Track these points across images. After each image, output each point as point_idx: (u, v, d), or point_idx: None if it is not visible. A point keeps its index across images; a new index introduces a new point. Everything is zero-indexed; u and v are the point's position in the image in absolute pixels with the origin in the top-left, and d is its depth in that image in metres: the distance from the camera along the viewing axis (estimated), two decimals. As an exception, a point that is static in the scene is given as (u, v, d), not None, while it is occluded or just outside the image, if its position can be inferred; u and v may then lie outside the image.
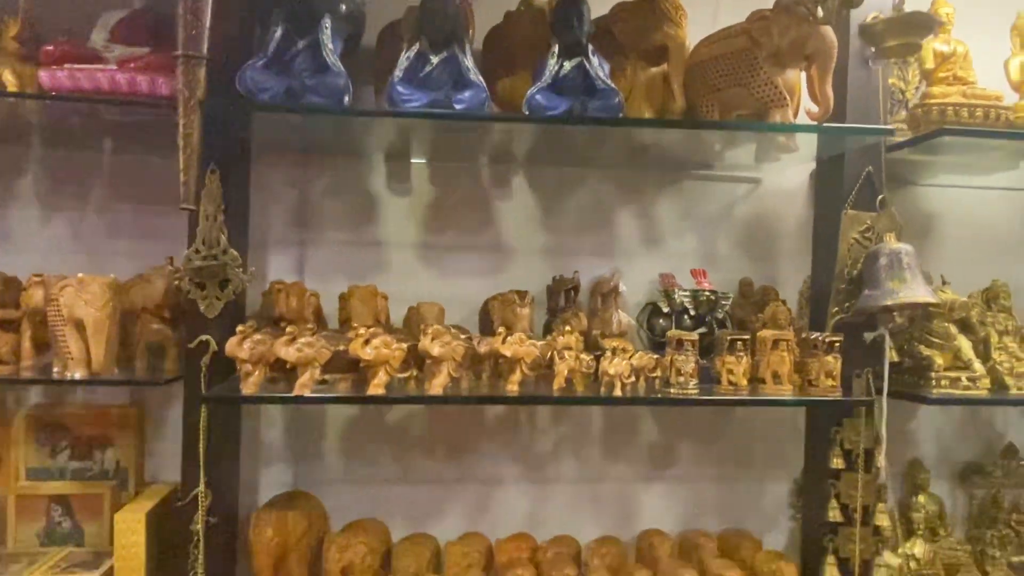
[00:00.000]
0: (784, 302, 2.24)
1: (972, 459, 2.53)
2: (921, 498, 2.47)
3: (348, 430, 2.32)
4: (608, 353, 1.77)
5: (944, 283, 2.02)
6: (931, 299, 1.78)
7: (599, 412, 2.41)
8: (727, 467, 2.46)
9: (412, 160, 2.32)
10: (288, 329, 1.64)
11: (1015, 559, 2.33)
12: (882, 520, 1.93)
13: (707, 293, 2.08)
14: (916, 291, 1.79)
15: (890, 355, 2.10)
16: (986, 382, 1.94)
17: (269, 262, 2.26)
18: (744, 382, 1.84)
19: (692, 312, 2.08)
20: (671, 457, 2.45)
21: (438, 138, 2.11)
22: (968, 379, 1.88)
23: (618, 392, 1.76)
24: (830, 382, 1.86)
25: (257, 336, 1.65)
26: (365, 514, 2.28)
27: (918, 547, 2.23)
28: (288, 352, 1.62)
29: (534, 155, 2.31)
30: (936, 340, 1.95)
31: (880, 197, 1.91)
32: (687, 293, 2.10)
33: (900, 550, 2.27)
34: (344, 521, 2.24)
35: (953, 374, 1.89)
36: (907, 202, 2.51)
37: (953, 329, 1.95)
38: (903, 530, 2.32)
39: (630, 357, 1.84)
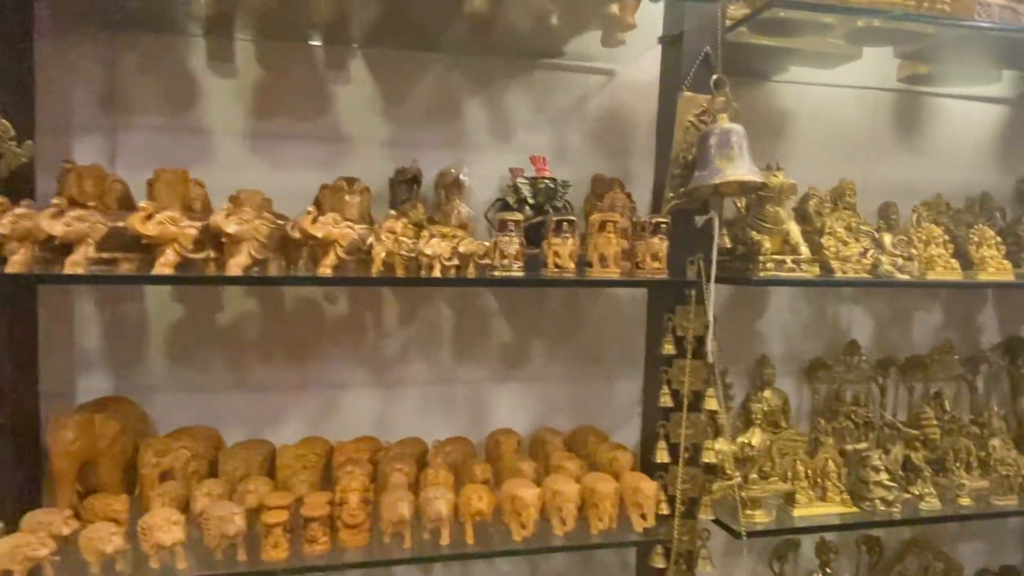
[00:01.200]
0: (630, 195, 2.21)
1: (817, 356, 2.62)
2: (767, 392, 2.54)
3: (175, 333, 2.16)
4: (425, 234, 1.68)
5: (777, 168, 2.01)
6: (755, 178, 1.76)
7: (449, 312, 2.34)
8: (579, 365, 2.45)
9: (237, 37, 2.11)
10: (54, 201, 1.47)
11: (848, 447, 2.44)
12: (711, 404, 1.95)
13: (546, 181, 2.01)
14: (741, 169, 1.77)
15: (723, 240, 2.10)
16: (814, 267, 1.96)
17: (74, 148, 2.04)
18: (571, 264, 1.78)
19: (531, 200, 2.00)
20: (523, 356, 2.41)
21: (266, 10, 1.92)
22: (793, 262, 1.89)
23: (436, 273, 1.68)
24: (656, 264, 1.83)
25: (20, 210, 1.46)
26: (198, 423, 2.16)
27: (756, 437, 2.29)
28: (55, 226, 1.44)
29: (374, 36, 2.14)
30: (766, 225, 1.94)
31: (715, 77, 1.86)
32: (525, 181, 2.02)
33: (739, 439, 2.33)
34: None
35: (779, 257, 1.90)
36: (760, 98, 2.50)
37: (783, 214, 1.94)
38: (743, 421, 2.38)
39: (458, 242, 1.76)
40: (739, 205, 2.15)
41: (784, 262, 1.90)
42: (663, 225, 1.84)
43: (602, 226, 1.81)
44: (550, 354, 2.43)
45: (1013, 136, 2.73)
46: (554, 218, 1.80)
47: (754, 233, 1.96)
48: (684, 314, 1.96)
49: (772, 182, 1.95)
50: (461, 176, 2.09)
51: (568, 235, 1.78)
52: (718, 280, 1.92)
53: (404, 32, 2.11)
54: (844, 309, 2.66)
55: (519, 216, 1.77)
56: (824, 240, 1.97)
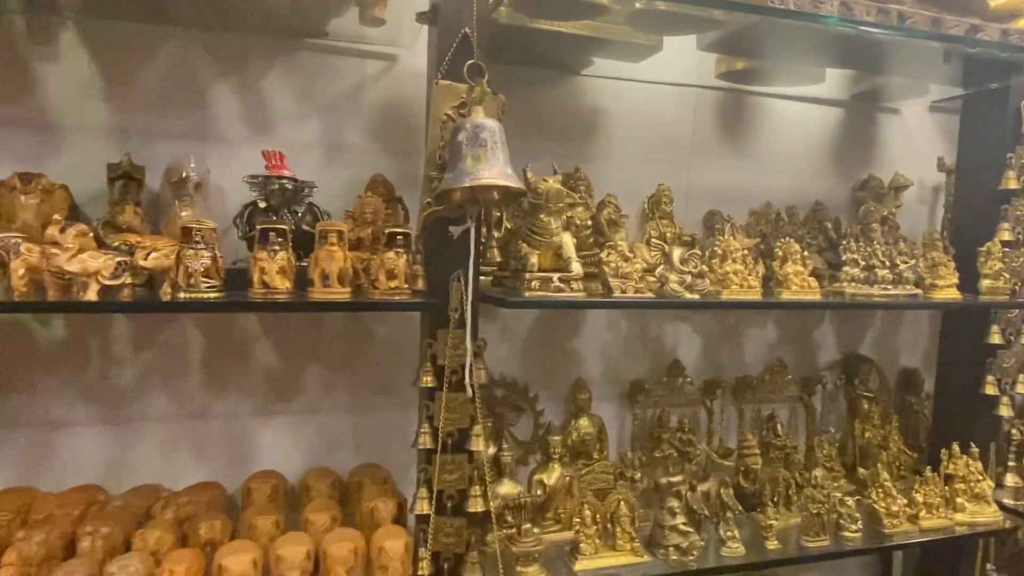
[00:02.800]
0: (401, 199, 1.91)
1: (637, 378, 2.39)
2: (582, 420, 2.29)
3: None
4: (67, 246, 1.32)
5: (555, 171, 1.75)
6: (504, 182, 1.49)
7: (198, 335, 1.99)
8: (363, 393, 2.13)
9: (-98, 0, 1.72)
10: None
11: (663, 479, 2.21)
12: (476, 444, 1.67)
13: (281, 181, 1.68)
14: (491, 172, 1.49)
15: (493, 254, 1.83)
16: (592, 284, 1.71)
17: None
18: (283, 283, 1.47)
19: (263, 204, 1.68)
20: (295, 385, 2.08)
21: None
22: (561, 280, 1.63)
23: (91, 295, 1.33)
24: (392, 283, 1.53)
25: None
26: None
27: (554, 474, 2.03)
28: None
29: (90, 4, 1.78)
30: (536, 236, 1.68)
31: (468, 63, 1.58)
32: (256, 180, 1.69)
33: (536, 476, 2.06)
34: None
35: (545, 274, 1.63)
36: (567, 94, 2.25)
37: (554, 224, 1.68)
38: (543, 455, 2.11)
39: (145, 254, 1.41)
40: (501, 214, 1.89)
41: (551, 280, 1.63)
42: (399, 237, 1.55)
43: (323, 237, 1.49)
44: (328, 381, 2.11)
45: (848, 140, 2.58)
46: (262, 225, 1.48)
47: (524, 246, 1.69)
48: (444, 340, 1.67)
49: (541, 187, 1.68)
50: (189, 174, 1.75)
51: (278, 248, 1.46)
52: (482, 300, 1.64)
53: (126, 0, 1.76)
54: (670, 327, 2.44)
55: (211, 224, 1.44)
56: (604, 255, 1.72)
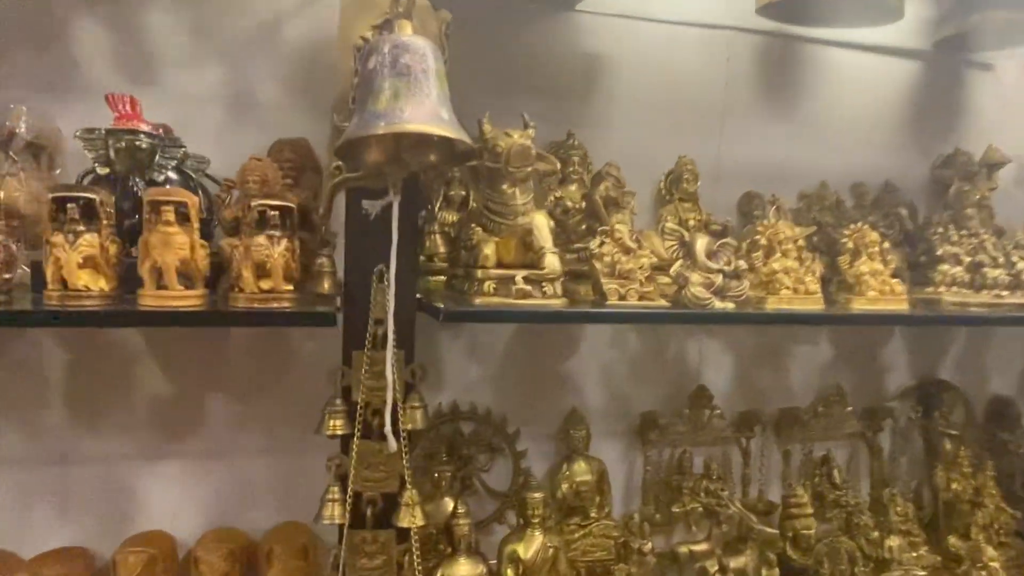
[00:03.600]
0: (318, 167, 1.40)
1: (651, 409, 1.84)
2: (578, 465, 1.75)
3: None
4: None
5: (527, 125, 1.23)
6: (435, 128, 0.97)
7: (60, 353, 1.49)
8: (285, 430, 1.62)
9: None
10: None
11: (683, 548, 1.66)
12: (405, 519, 1.15)
13: (132, 137, 1.18)
14: (417, 113, 0.98)
15: (435, 242, 1.31)
16: (581, 286, 1.18)
17: None
18: (94, 282, 0.96)
19: (106, 169, 1.18)
20: (194, 419, 1.58)
21: None
22: (528, 280, 1.11)
23: None
24: (265, 283, 1.02)
25: None
26: None
27: (532, 544, 1.49)
28: None
29: None
30: (495, 218, 1.16)
31: (390, -42, 1.07)
32: (92, 136, 1.19)
33: (509, 548, 1.53)
34: None
35: (507, 272, 1.11)
36: (561, 33, 1.71)
37: (521, 198, 1.16)
38: (520, 518, 1.58)
39: None
40: (450, 185, 1.37)
41: (513, 280, 1.11)
42: (274, 215, 1.04)
43: (155, 211, 0.99)
44: (236, 414, 1.60)
45: (927, 102, 2.00)
46: (52, 195, 0.97)
47: (477, 231, 1.17)
48: (361, 366, 1.15)
49: (500, 144, 1.16)
50: (17, 129, 1.26)
51: (82, 229, 0.96)
52: (403, 310, 1.13)
53: None
54: (693, 343, 1.89)
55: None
56: (595, 245, 1.19)
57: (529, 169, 1.16)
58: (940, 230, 1.47)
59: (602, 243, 1.20)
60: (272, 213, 1.03)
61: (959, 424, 2.02)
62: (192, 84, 1.50)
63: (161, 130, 1.32)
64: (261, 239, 1.02)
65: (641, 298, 1.19)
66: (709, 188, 1.81)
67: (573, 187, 1.60)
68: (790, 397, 1.95)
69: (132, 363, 1.54)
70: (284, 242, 1.04)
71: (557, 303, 1.13)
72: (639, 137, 1.76)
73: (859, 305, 1.34)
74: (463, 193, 1.57)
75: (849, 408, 1.94)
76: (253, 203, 1.03)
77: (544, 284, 1.12)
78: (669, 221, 1.62)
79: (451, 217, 1.50)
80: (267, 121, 1.54)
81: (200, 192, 1.26)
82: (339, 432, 1.15)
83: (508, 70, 1.67)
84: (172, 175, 1.24)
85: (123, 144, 1.17)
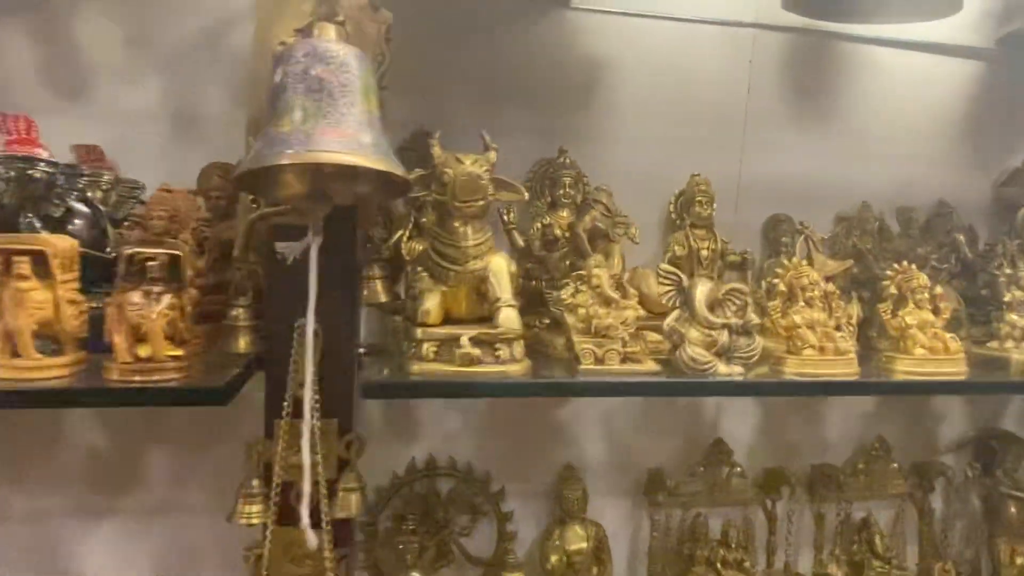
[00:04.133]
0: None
1: (657, 465, 1.60)
2: (572, 530, 1.53)
3: None
4: None
5: (488, 147, 1.02)
6: (347, 158, 0.76)
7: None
8: (229, 487, 1.44)
9: None
10: None
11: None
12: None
13: (25, 165, 1.01)
14: (328, 139, 0.77)
15: (375, 291, 1.10)
16: (520, 349, 0.95)
17: None
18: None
19: (2, 201, 1.01)
20: (133, 475, 1.41)
21: None
22: (476, 342, 0.89)
23: None
24: (142, 350, 0.83)
25: None
26: None
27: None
28: None
29: None
30: (441, 264, 0.95)
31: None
32: (-23, 162, 1.02)
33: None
34: None
35: (446, 331, 0.89)
36: (552, 35, 1.49)
37: (473, 238, 0.94)
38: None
39: None
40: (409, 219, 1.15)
41: (457, 342, 0.89)
42: (152, 264, 0.84)
43: (5, 263, 0.80)
44: (181, 470, 1.42)
45: (989, 109, 1.72)
46: None
47: (422, 278, 0.96)
48: (285, 439, 0.96)
49: (447, 173, 0.94)
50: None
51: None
52: (337, 370, 0.92)
53: None
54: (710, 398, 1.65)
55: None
56: (565, 295, 0.97)
57: (481, 203, 0.95)
58: (1007, 269, 1.21)
59: (576, 291, 0.98)
60: (152, 263, 0.84)
61: (1026, 484, 1.73)
62: (129, 99, 1.33)
63: (86, 152, 1.16)
64: (136, 296, 0.83)
65: (625, 360, 0.96)
66: (728, 211, 1.57)
67: (564, 213, 1.38)
68: (824, 452, 1.69)
69: (65, 412, 1.38)
70: (167, 299, 0.84)
71: (515, 369, 0.92)
72: (646, 153, 1.53)
73: (904, 366, 1.09)
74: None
75: (894, 464, 1.67)
76: (124, 250, 0.84)
77: (498, 346, 0.91)
78: (678, 251, 1.39)
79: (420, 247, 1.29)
80: (214, 139, 1.36)
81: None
82: (255, 521, 0.95)
83: (494, 77, 1.47)
84: (79, 207, 1.06)
85: (13, 173, 1.00)
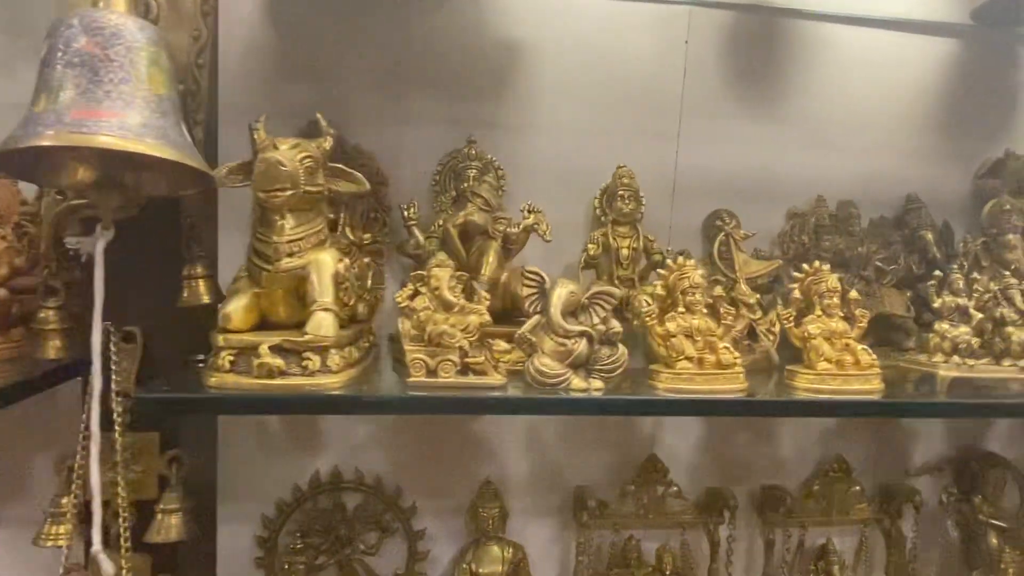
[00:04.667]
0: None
1: (582, 484, 1.47)
2: (490, 550, 1.41)
3: None
4: None
5: (327, 133, 0.90)
6: (120, 142, 0.67)
7: None
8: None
9: None
10: None
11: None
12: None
13: None
14: (91, 119, 0.68)
15: (197, 295, 1.00)
16: (339, 359, 0.83)
17: None
18: None
19: None
20: None
21: None
22: (278, 350, 0.78)
23: None
24: None
25: None
26: None
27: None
28: None
29: None
30: (257, 262, 0.84)
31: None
32: None
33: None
34: None
35: (252, 339, 0.79)
36: (464, 12, 1.38)
37: (290, 229, 0.83)
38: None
39: None
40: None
41: (256, 352, 0.79)
42: None
43: None
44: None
45: (965, 94, 1.54)
46: None
47: (238, 278, 0.86)
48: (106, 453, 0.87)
49: (260, 160, 0.84)
50: None
51: None
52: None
53: None
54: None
55: None
56: (399, 297, 0.86)
57: (288, 193, 0.84)
58: (947, 271, 1.05)
59: (415, 293, 0.87)
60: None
61: (1010, 513, 1.54)
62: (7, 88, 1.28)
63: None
64: None
65: (465, 372, 0.85)
66: (663, 207, 1.43)
67: (470, 208, 1.26)
68: (777, 472, 1.54)
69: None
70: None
71: (329, 382, 0.81)
72: (571, 144, 1.40)
73: (804, 382, 0.95)
74: (331, 216, 1.26)
75: (856, 487, 1.51)
76: None
77: (306, 355, 0.80)
78: (591, 249, 1.27)
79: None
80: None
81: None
82: (61, 543, 0.87)
83: (401, 61, 1.36)
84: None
85: None
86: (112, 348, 0.83)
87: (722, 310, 0.95)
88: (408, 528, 1.43)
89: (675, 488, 1.45)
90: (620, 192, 1.31)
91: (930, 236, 1.41)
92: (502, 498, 1.42)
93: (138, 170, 0.78)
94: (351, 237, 1.26)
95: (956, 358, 1.00)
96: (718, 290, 0.98)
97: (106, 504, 0.89)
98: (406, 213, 1.24)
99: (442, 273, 0.87)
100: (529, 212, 1.25)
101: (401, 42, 1.35)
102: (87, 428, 0.81)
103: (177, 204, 0.90)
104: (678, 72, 1.42)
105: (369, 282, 1.05)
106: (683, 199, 1.45)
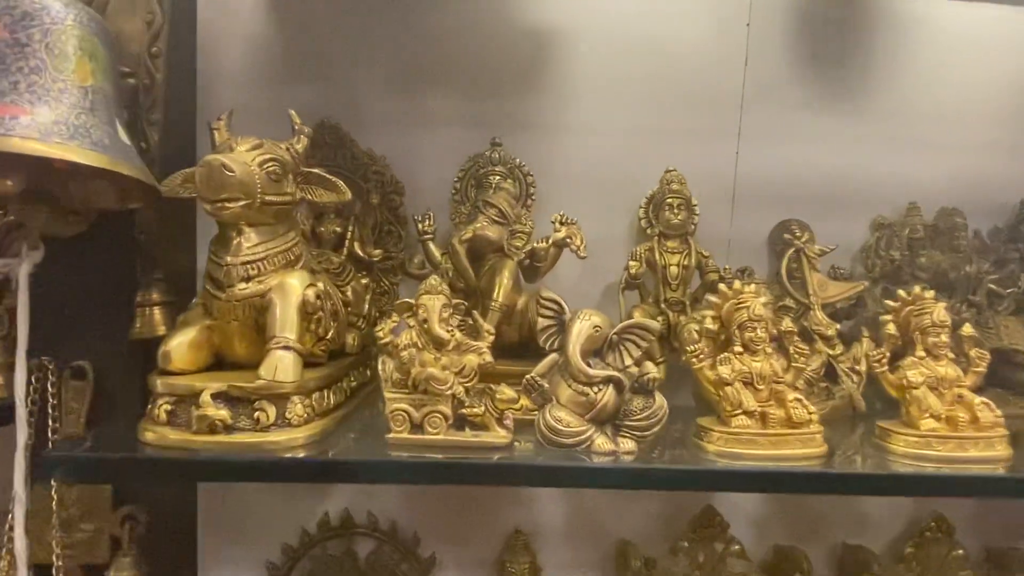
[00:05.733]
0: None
1: (634, 534, 1.27)
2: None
3: None
4: None
5: (300, 132, 0.74)
6: (21, 145, 0.54)
7: None
8: None
9: None
10: None
11: None
12: None
13: None
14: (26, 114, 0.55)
15: (152, 325, 0.86)
16: (293, 413, 0.67)
17: None
18: None
19: None
20: None
21: None
22: (224, 398, 0.62)
23: None
24: None
25: None
26: None
27: None
28: None
29: None
30: (208, 286, 0.69)
31: None
32: None
33: None
34: None
35: (202, 384, 0.64)
36: (502, 1, 1.23)
37: (249, 250, 0.67)
38: None
39: None
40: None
41: (196, 401, 0.64)
42: None
43: None
44: None
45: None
46: None
47: (192, 306, 0.72)
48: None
49: (210, 160, 0.70)
50: None
51: None
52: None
53: None
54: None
55: None
56: (379, 331, 0.70)
57: (241, 204, 0.69)
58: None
59: (389, 325, 0.71)
60: None
61: None
62: None
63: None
64: None
65: (461, 426, 0.67)
66: (722, 217, 1.23)
67: (480, 221, 1.10)
68: (862, 529, 1.30)
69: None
70: None
71: (286, 439, 0.65)
72: (611, 145, 1.22)
73: (903, 445, 0.73)
74: (337, 230, 1.13)
75: (959, 551, 1.26)
76: None
77: (259, 406, 0.64)
78: (632, 267, 1.08)
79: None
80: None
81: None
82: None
83: (417, 55, 1.21)
84: None
85: None
86: (50, 388, 0.71)
87: (792, 348, 0.75)
88: (426, 581, 1.27)
89: (737, 546, 1.24)
90: (668, 200, 1.12)
91: (1051, 252, 1.16)
92: (533, 552, 1.25)
93: (79, 179, 0.66)
94: (359, 253, 1.12)
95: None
96: (787, 323, 0.78)
97: (46, 570, 0.77)
98: (420, 226, 1.09)
99: (432, 302, 0.70)
100: (561, 225, 1.08)
101: (418, 35, 1.21)
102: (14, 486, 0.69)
103: (132, 216, 0.77)
104: (738, 60, 1.21)
105: (366, 306, 0.89)
106: (745, 208, 1.24)
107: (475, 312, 0.76)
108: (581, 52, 1.22)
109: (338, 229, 1.13)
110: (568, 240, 1.07)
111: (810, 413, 0.73)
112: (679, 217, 1.11)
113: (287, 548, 1.27)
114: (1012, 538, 1.31)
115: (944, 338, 0.77)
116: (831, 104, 1.25)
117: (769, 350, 0.76)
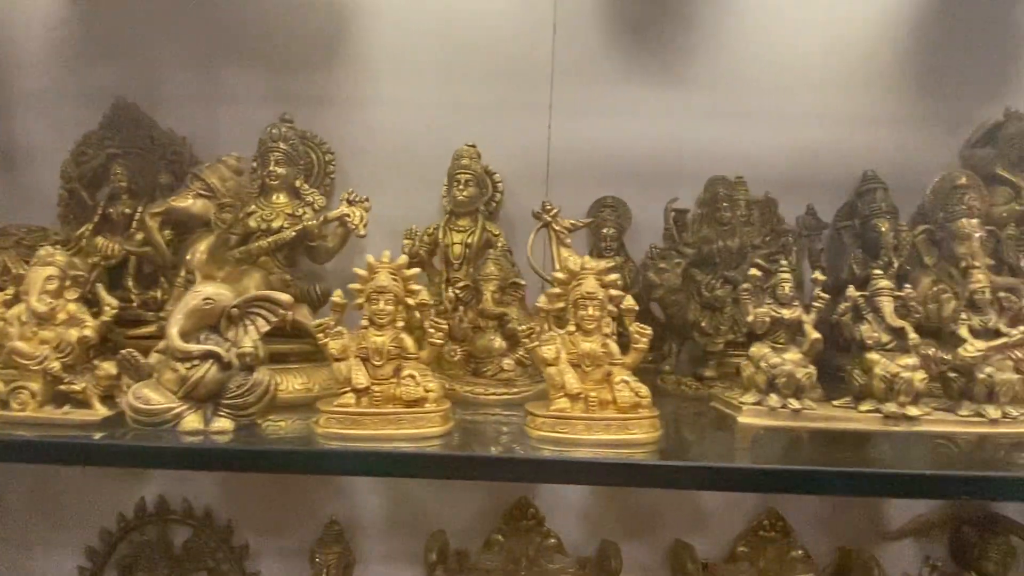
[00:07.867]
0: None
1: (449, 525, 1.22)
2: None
3: None
4: None
5: None
6: None
7: None
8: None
9: None
10: None
11: None
12: None
13: None
14: None
15: None
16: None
17: None
18: None
19: None
20: None
21: None
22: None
23: None
24: None
25: None
26: None
27: None
28: None
29: None
30: None
31: None
32: None
33: None
34: None
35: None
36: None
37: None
38: None
39: None
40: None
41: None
42: None
43: None
44: None
45: (951, 45, 1.15)
46: None
47: None
48: None
49: None
50: None
51: None
52: None
53: None
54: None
55: None
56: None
57: None
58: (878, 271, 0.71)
59: (14, 300, 0.68)
60: None
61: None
62: None
63: None
64: None
65: (62, 401, 0.63)
66: (537, 194, 1.17)
67: (279, 197, 1.07)
68: (695, 524, 1.22)
69: None
70: None
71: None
72: (416, 120, 1.18)
73: (534, 428, 0.65)
74: (126, 211, 1.11)
75: (798, 551, 1.17)
76: None
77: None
78: (405, 246, 1.03)
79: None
80: None
81: None
82: None
83: (220, 32, 1.19)
84: None
85: None
86: None
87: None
88: (241, 570, 1.24)
89: (553, 540, 1.18)
90: (457, 175, 1.06)
91: (885, 226, 1.07)
92: (345, 541, 1.21)
93: None
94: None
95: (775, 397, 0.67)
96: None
97: None
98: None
99: (35, 273, 0.67)
100: (349, 203, 1.04)
101: (217, 9, 1.18)
102: None
103: None
104: (546, 29, 1.15)
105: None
106: (561, 185, 1.18)
107: (99, 285, 0.73)
108: (383, 24, 1.18)
109: (127, 211, 1.12)
110: (346, 217, 1.03)
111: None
112: (464, 193, 1.05)
113: (104, 533, 1.26)
114: (865, 539, 1.22)
115: (592, 311, 0.69)
116: (651, 75, 1.17)
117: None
